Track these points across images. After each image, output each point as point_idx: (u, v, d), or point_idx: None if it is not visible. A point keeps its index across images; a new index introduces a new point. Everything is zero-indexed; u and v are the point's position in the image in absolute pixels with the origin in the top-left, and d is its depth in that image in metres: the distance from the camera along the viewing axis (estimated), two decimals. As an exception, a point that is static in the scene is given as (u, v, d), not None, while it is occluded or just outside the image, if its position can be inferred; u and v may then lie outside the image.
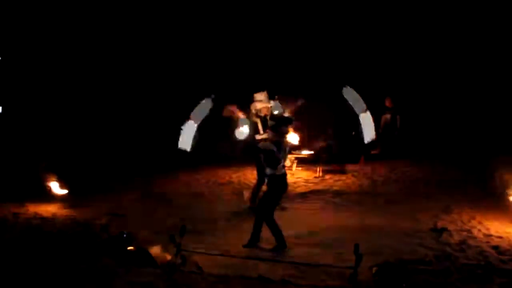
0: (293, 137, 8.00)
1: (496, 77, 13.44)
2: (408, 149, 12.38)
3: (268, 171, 6.19)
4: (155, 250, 5.65)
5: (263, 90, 7.67)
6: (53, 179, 8.53)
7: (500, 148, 10.22)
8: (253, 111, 7.64)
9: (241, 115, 7.59)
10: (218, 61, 13.84)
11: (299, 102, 8.80)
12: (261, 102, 7.47)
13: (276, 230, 6.13)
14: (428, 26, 13.86)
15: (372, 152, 12.34)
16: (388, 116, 12.37)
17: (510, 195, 7.40)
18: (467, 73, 13.75)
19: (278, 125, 6.29)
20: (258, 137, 7.52)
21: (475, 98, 13.33)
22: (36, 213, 7.74)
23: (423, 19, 13.90)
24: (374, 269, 5.19)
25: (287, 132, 6.49)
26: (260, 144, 6.78)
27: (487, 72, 13.55)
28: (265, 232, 6.22)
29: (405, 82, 13.77)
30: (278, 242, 6.12)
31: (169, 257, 5.57)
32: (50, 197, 8.43)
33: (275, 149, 6.09)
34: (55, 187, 8.51)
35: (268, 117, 7.53)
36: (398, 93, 12.91)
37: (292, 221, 7.28)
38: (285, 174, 6.29)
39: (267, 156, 6.18)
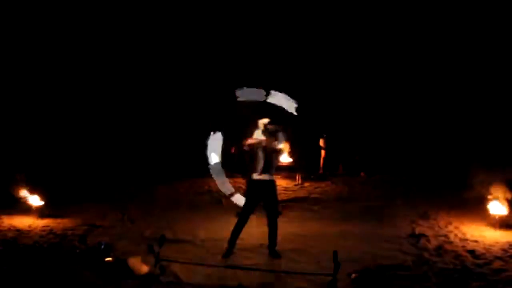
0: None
1: (466, 85, 13.80)
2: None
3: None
4: (134, 260, 5.58)
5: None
6: (29, 190, 8.35)
7: (476, 157, 10.44)
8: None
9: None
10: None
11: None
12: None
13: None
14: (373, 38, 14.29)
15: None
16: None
17: (488, 201, 7.50)
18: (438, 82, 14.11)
19: None
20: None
21: (453, 107, 13.66)
22: (11, 225, 7.58)
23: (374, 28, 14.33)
24: (353, 275, 5.22)
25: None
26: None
27: (456, 80, 13.92)
28: (245, 240, 6.19)
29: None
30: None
31: (148, 267, 5.51)
32: (25, 209, 8.26)
33: None
34: (31, 198, 8.33)
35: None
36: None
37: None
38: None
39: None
